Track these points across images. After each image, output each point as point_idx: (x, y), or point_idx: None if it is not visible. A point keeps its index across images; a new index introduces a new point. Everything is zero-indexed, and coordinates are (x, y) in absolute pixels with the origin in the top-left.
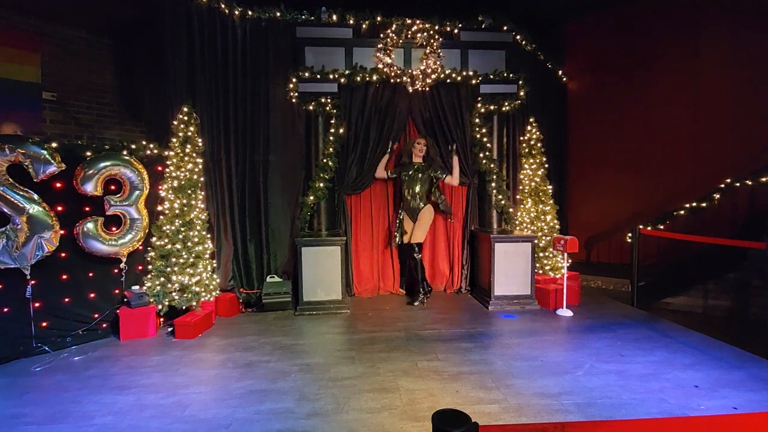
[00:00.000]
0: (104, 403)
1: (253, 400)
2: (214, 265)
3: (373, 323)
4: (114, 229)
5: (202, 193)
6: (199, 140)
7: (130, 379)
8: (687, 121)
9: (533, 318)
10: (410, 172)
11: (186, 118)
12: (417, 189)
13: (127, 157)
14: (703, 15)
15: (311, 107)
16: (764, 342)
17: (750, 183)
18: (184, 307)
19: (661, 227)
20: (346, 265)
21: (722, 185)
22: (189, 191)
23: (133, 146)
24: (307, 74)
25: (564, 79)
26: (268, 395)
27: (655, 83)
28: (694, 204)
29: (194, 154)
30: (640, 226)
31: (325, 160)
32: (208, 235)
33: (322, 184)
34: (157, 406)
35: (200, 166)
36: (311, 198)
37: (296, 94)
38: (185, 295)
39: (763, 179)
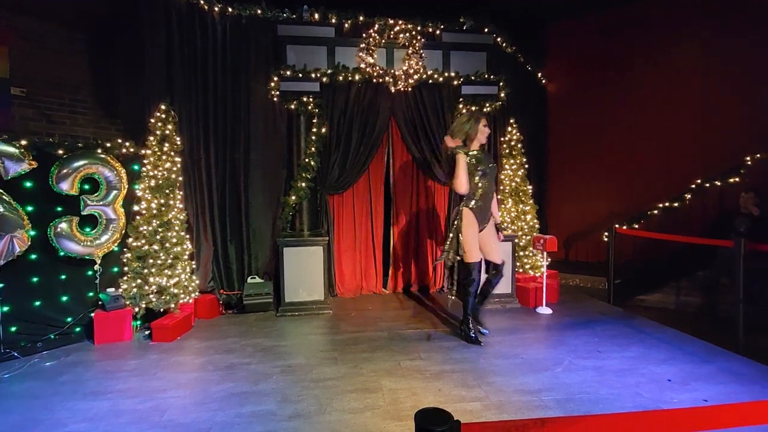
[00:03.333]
0: (78, 410)
1: (234, 403)
2: (193, 266)
3: (355, 323)
4: (89, 229)
5: (181, 192)
6: (178, 138)
7: (105, 384)
8: (661, 124)
9: (514, 316)
10: (487, 164)
11: (164, 115)
12: (490, 186)
13: (104, 156)
14: (677, 22)
15: (293, 106)
16: (732, 337)
17: (719, 184)
18: (161, 310)
19: (636, 226)
20: (329, 265)
21: (693, 186)
22: (167, 191)
23: (108, 144)
24: (288, 73)
25: (543, 81)
26: (250, 398)
27: (632, 87)
28: (667, 204)
29: (172, 153)
30: (616, 226)
31: (307, 160)
32: (187, 236)
33: (304, 184)
34: (133, 411)
35: (179, 165)
36: (293, 198)
37: (278, 92)
38: (163, 297)
39: (731, 180)
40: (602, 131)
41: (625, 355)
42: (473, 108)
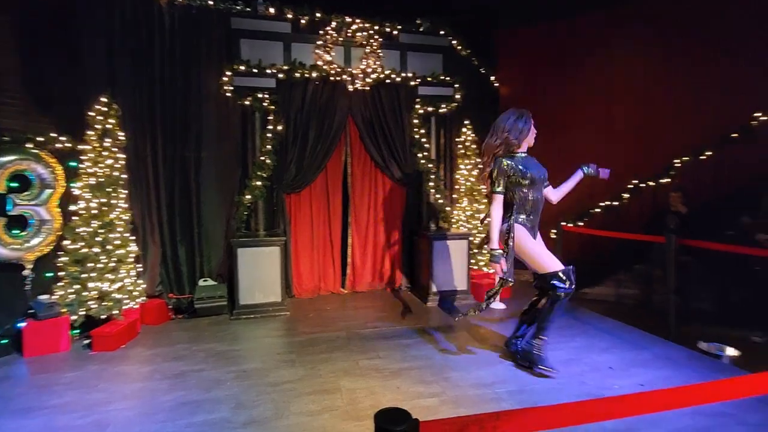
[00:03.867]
0: (6, 429)
1: (185, 413)
2: (139, 269)
3: (313, 324)
4: (17, 231)
5: (125, 191)
6: (121, 133)
7: (38, 400)
8: (602, 128)
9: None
10: (537, 171)
11: (105, 108)
12: (541, 195)
13: (36, 151)
14: (615, 34)
15: (247, 102)
16: (666, 325)
17: (652, 184)
18: (103, 317)
19: (581, 224)
20: (286, 266)
21: (630, 186)
22: (109, 189)
23: (41, 138)
24: (242, 68)
25: (496, 84)
26: (202, 406)
27: (576, 93)
28: (608, 203)
29: (115, 149)
30: (563, 223)
31: (262, 158)
32: (132, 237)
33: (259, 183)
34: (71, 427)
35: (122, 162)
36: (248, 197)
37: (231, 88)
38: (105, 304)
39: (662, 181)
40: (549, 134)
41: (571, 345)
42: (429, 109)
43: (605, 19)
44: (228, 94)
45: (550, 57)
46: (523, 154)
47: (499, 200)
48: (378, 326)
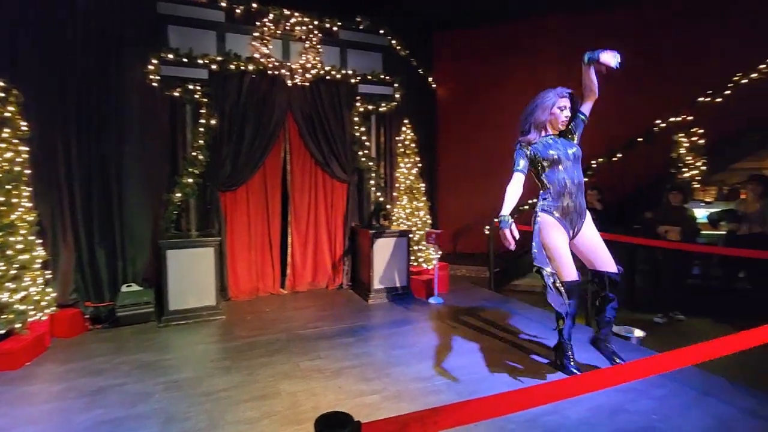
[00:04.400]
0: None
1: None
2: (48, 276)
3: (251, 327)
4: None
5: (29, 189)
6: (23, 123)
7: None
8: None
9: (409, 308)
10: (564, 149)
11: (3, 94)
12: (577, 176)
13: None
14: (539, 42)
15: (177, 93)
16: (585, 312)
17: None
18: (4, 331)
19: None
20: (221, 267)
21: None
22: (9, 186)
23: None
24: (171, 56)
25: (434, 85)
26: (125, 423)
27: (506, 95)
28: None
29: (15, 141)
30: (495, 220)
31: (194, 153)
32: (39, 241)
33: (191, 180)
34: None
35: (25, 156)
36: (178, 195)
37: (158, 77)
38: (5, 316)
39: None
40: (483, 134)
41: (503, 335)
42: (370, 107)
43: (531, 28)
44: (155, 84)
45: (484, 59)
46: (550, 137)
47: (515, 177)
48: (319, 326)
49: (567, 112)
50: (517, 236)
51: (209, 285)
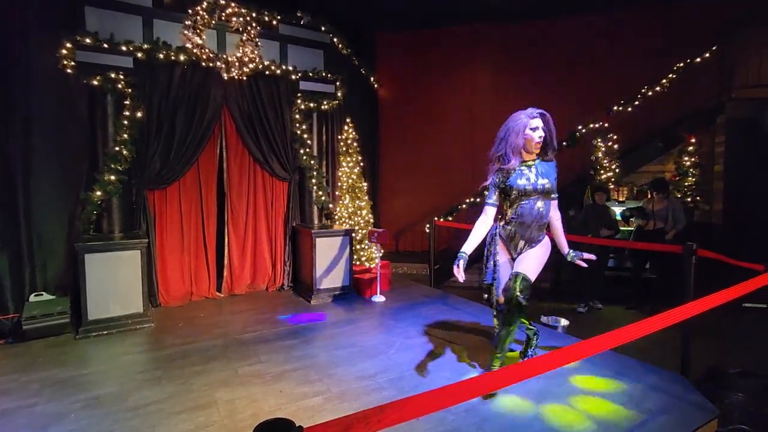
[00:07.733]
0: None
1: None
2: None
3: (184, 334)
4: None
5: None
6: None
7: None
8: (467, 131)
9: (352, 307)
10: (537, 181)
11: None
12: (537, 211)
13: None
14: (477, 49)
15: (96, 82)
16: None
17: None
18: None
19: (450, 219)
20: (149, 272)
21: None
22: None
23: None
24: (89, 41)
25: (376, 86)
26: None
27: (447, 98)
28: (472, 199)
29: None
30: (435, 218)
31: (117, 148)
32: None
33: (113, 177)
34: None
35: None
36: (98, 193)
37: (73, 63)
38: None
39: None
40: (424, 135)
41: (443, 330)
42: (311, 105)
43: (466, 34)
44: (69, 71)
45: (425, 62)
46: (526, 165)
47: (486, 211)
48: (259, 329)
49: (540, 132)
50: (462, 279)
51: (135, 291)
